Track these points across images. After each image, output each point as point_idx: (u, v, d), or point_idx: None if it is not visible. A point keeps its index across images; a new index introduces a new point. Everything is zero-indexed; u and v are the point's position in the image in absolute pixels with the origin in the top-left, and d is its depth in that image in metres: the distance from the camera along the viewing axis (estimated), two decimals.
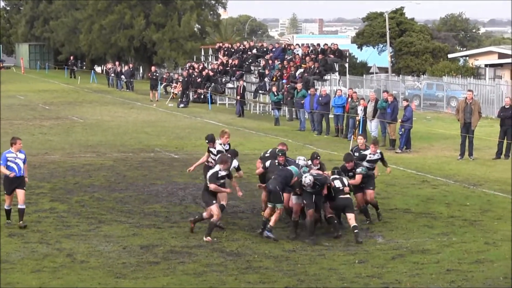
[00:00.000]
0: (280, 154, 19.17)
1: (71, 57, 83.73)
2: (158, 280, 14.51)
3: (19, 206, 18.34)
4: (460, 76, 60.16)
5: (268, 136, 36.99)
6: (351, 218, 17.93)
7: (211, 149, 19.98)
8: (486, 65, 66.98)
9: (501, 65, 65.42)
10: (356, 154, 20.38)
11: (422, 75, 64.08)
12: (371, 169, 19.99)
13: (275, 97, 43.24)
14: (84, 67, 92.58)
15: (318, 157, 19.63)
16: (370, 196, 19.62)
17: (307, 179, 17.70)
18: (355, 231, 17.66)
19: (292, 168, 18.44)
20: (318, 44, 51.42)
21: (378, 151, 20.20)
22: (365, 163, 19.80)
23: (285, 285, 14.24)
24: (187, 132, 38.08)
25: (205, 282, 14.32)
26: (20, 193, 18.36)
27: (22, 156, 18.51)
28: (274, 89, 44.36)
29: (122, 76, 66.90)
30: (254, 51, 56.88)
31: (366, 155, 20.09)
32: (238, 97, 47.35)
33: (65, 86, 67.82)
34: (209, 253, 16.47)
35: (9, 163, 18.31)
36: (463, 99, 31.74)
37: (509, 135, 30.36)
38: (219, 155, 19.05)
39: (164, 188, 23.60)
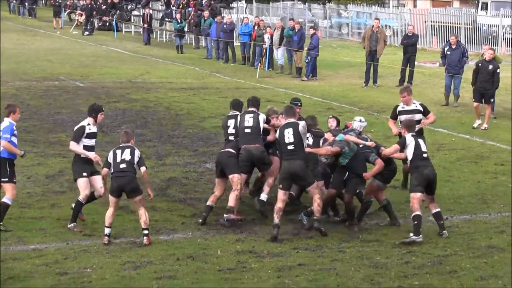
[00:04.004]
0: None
1: None
2: (64, 210, 14.43)
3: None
4: (365, 4, 60.48)
5: (174, 64, 36.80)
6: None
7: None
8: None
9: None
10: None
11: (327, 3, 64.12)
12: None
13: (178, 25, 42.82)
14: None
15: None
16: None
17: None
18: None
19: None
20: None
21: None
22: None
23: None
24: (92, 60, 37.55)
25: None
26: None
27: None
28: (178, 16, 43.99)
29: (26, 3, 65.28)
30: None
31: None
32: (145, 25, 46.79)
33: None
34: None
35: (13, 138, 13.97)
36: (370, 27, 32.08)
37: (412, 63, 30.94)
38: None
39: (69, 117, 23.30)
